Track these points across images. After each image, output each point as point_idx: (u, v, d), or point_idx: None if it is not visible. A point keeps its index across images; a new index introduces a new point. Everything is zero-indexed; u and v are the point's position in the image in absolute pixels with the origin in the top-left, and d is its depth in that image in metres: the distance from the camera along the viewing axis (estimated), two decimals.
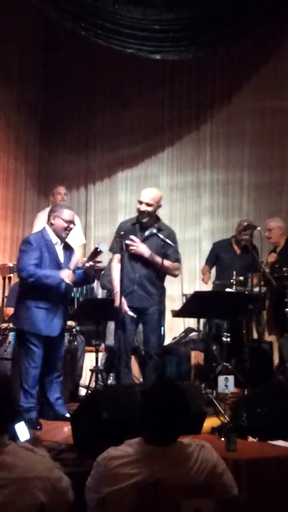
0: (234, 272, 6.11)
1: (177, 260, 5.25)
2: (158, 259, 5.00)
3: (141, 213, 5.13)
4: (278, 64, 8.02)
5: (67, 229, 4.97)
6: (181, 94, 8.47)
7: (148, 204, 5.09)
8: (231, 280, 6.07)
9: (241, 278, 6.15)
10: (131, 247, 5.06)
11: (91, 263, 4.99)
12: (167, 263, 5.06)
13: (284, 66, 8.00)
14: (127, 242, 5.05)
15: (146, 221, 5.13)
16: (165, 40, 7.30)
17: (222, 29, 7.56)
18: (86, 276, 5.05)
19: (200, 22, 7.41)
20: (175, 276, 5.34)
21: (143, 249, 5.08)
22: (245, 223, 6.59)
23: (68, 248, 5.11)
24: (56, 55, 8.67)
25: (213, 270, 7.00)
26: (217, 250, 6.92)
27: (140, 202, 5.13)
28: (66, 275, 4.83)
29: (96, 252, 4.99)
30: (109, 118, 8.72)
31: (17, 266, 5.02)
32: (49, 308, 4.86)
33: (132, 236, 5.08)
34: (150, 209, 5.09)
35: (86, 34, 7.06)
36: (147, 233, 5.14)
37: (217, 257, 6.85)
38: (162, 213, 8.04)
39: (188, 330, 6.82)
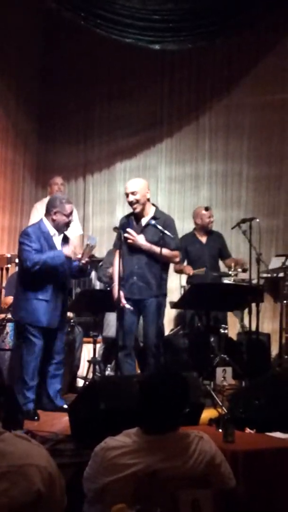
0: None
1: (177, 247, 5.24)
2: (156, 249, 4.99)
3: (130, 203, 5.15)
4: (278, 58, 7.96)
5: (69, 224, 5.02)
6: (181, 86, 8.42)
7: (133, 193, 5.10)
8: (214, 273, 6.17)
9: (228, 270, 6.17)
10: (128, 240, 5.07)
11: (87, 259, 5.04)
12: (166, 251, 5.05)
13: (284, 61, 7.94)
14: (125, 235, 5.06)
15: (139, 211, 5.14)
16: (164, 30, 7.26)
17: (222, 21, 7.50)
18: (82, 270, 5.10)
19: (200, 13, 7.36)
20: (175, 263, 5.36)
21: (141, 241, 5.07)
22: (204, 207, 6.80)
23: (65, 239, 5.11)
24: (55, 47, 8.61)
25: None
26: (183, 245, 6.75)
27: (127, 194, 5.16)
28: (69, 251, 4.91)
29: (89, 248, 5.06)
30: (108, 109, 8.68)
31: (19, 259, 4.99)
32: (49, 299, 4.87)
33: (128, 229, 5.08)
34: (137, 197, 5.10)
35: (86, 23, 7.04)
36: (143, 223, 5.14)
37: (185, 251, 6.71)
38: (160, 205, 8.06)
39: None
